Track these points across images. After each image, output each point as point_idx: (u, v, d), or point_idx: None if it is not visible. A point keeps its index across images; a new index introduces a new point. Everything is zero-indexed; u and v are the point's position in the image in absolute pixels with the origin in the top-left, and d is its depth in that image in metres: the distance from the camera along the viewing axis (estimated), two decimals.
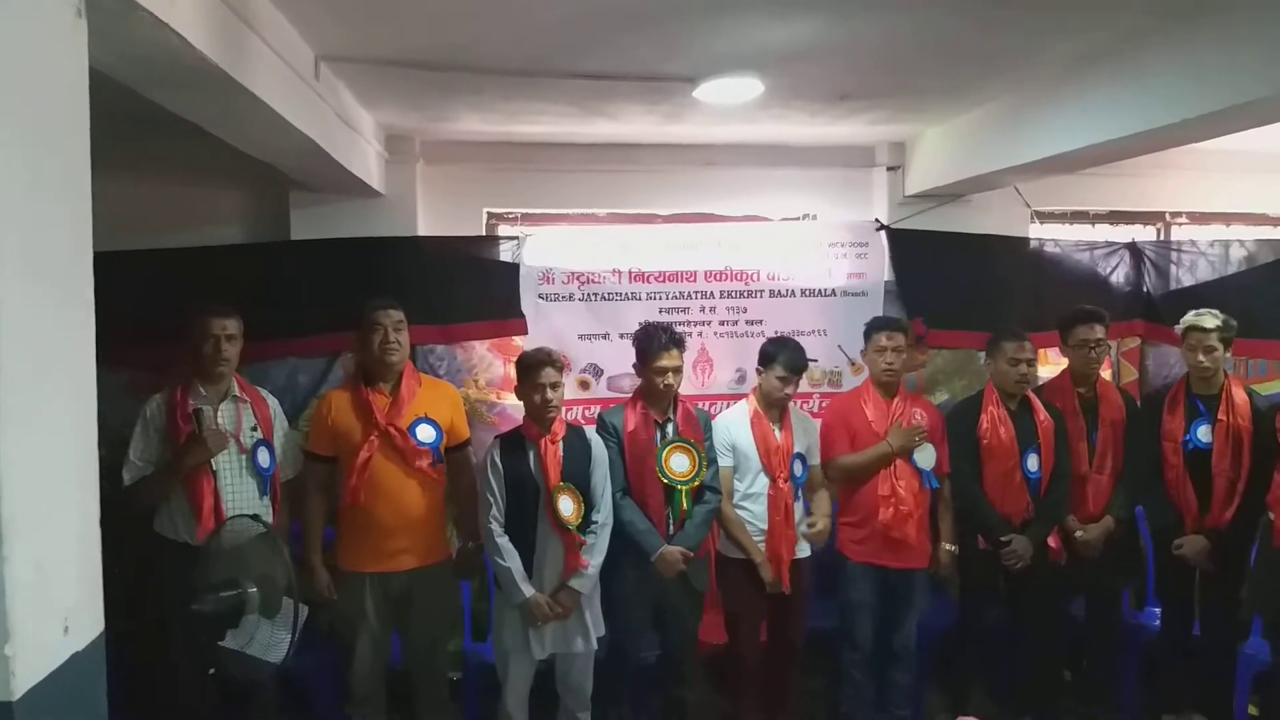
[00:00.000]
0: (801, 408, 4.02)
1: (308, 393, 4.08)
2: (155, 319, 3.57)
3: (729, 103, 3.56)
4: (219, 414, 3.30)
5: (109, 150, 3.90)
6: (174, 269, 4.00)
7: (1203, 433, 3.68)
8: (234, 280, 3.91)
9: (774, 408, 3.69)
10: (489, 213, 4.64)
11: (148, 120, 2.79)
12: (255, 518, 2.66)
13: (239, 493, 3.29)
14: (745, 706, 3.73)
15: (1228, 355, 3.73)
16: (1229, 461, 3.62)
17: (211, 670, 2.59)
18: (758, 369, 3.75)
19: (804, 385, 4.46)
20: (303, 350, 4.11)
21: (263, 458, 3.35)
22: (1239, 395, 3.69)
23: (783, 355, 3.63)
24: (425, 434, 3.38)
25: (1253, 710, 3.72)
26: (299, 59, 2.85)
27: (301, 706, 3.62)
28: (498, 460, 3.31)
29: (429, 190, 4.45)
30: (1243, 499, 3.58)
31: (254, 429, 3.37)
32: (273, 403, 3.53)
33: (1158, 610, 4.02)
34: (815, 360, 4.55)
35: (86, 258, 1.46)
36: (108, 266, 4.02)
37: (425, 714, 3.49)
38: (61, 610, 1.38)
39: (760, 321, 4.42)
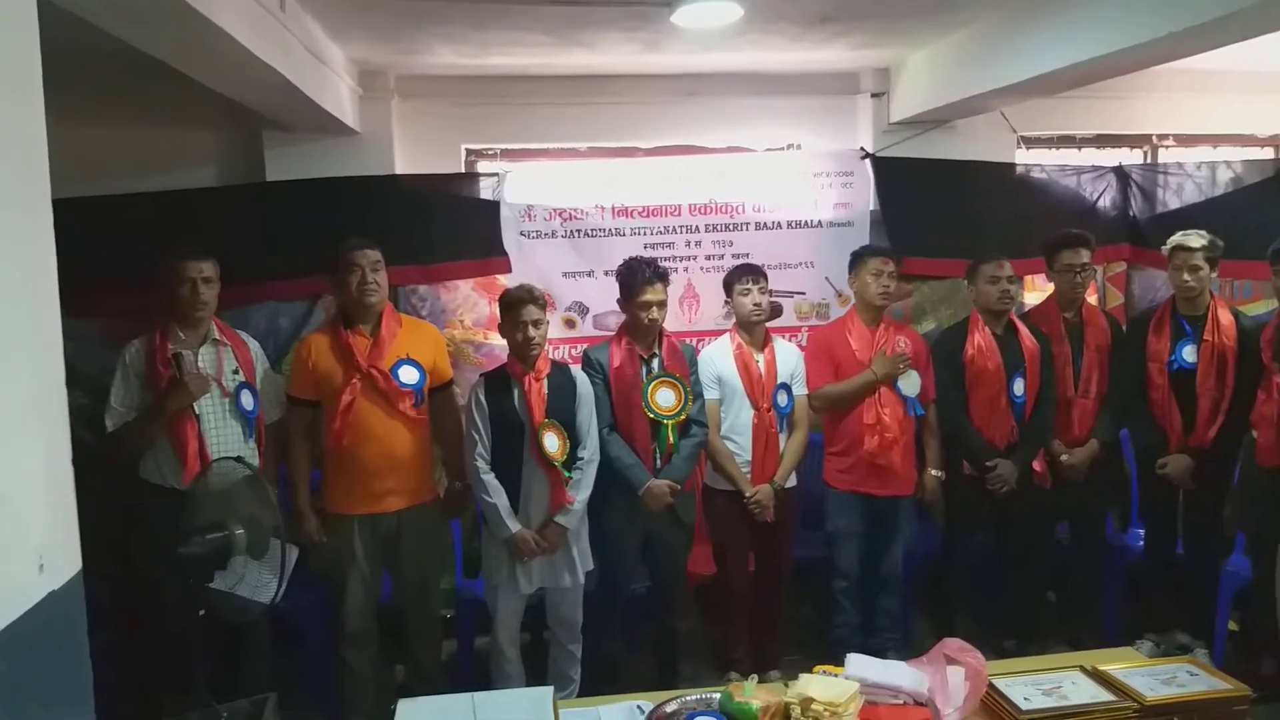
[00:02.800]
0: (790, 341, 4.01)
1: (290, 336, 4.05)
2: (131, 265, 3.51)
3: (708, 27, 3.48)
4: (199, 358, 3.28)
5: (81, 95, 3.85)
6: (148, 214, 3.93)
7: (1188, 353, 3.69)
8: (210, 224, 3.88)
9: (755, 336, 3.69)
10: (468, 149, 4.56)
11: (119, 63, 2.73)
12: (240, 460, 2.64)
13: (223, 436, 3.27)
14: (735, 635, 3.78)
15: (1213, 276, 3.73)
16: (1213, 381, 3.63)
17: (201, 612, 2.59)
18: (726, 301, 3.80)
19: (792, 319, 4.47)
20: (282, 293, 4.08)
21: (246, 401, 3.33)
22: (1224, 316, 3.69)
23: (739, 273, 3.72)
24: (408, 375, 3.36)
25: (1233, 626, 3.78)
26: None
27: (296, 645, 3.66)
28: (482, 398, 3.31)
29: (406, 127, 4.37)
30: (1226, 418, 3.60)
31: (236, 372, 3.34)
32: (254, 345, 3.51)
33: (1142, 531, 4.06)
34: (803, 293, 4.55)
35: (43, 187, 1.42)
36: (81, 212, 3.96)
37: (418, 650, 3.52)
38: (35, 548, 1.37)
39: (746, 255, 4.35)
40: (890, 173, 4.51)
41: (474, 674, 3.71)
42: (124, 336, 3.36)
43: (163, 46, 2.60)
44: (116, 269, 3.63)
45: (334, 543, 3.38)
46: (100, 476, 3.36)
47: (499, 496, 3.26)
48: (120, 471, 3.30)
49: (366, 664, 3.44)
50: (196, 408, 3.20)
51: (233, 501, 2.54)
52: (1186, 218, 4.29)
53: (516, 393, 3.30)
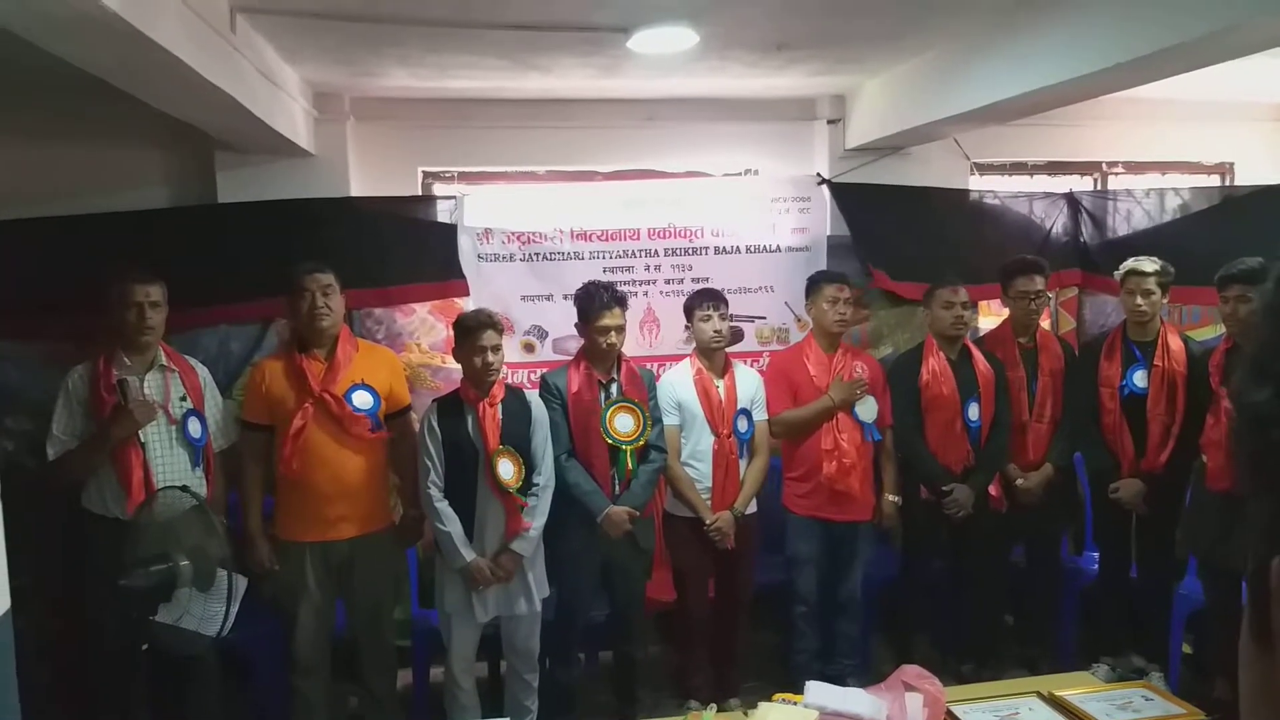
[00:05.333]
0: (751, 366, 4.00)
1: (241, 361, 3.98)
2: (77, 287, 3.44)
3: (664, 53, 3.49)
4: (145, 384, 3.21)
5: (26, 113, 3.74)
6: (95, 235, 3.84)
7: (1139, 378, 3.73)
8: (159, 246, 3.80)
9: (715, 361, 3.68)
10: (424, 171, 4.53)
11: (65, 82, 2.67)
12: (185, 489, 2.58)
13: (170, 465, 3.20)
14: (694, 663, 3.74)
15: (1164, 301, 3.78)
16: (1163, 406, 3.68)
17: (145, 646, 2.52)
18: (686, 326, 3.77)
19: (753, 344, 4.48)
20: (234, 317, 4.01)
21: (194, 428, 3.26)
22: (1174, 341, 3.75)
23: (700, 298, 3.68)
24: (362, 400, 3.31)
25: (1186, 649, 3.82)
26: (211, 10, 2.71)
27: (247, 676, 3.57)
28: (435, 424, 3.26)
29: (361, 149, 4.32)
30: (1177, 442, 3.64)
31: (183, 399, 3.27)
32: (202, 371, 3.43)
33: (1096, 554, 4.10)
34: (764, 318, 4.55)
35: None
36: (26, 234, 3.86)
37: (372, 681, 3.45)
38: None
39: (706, 279, 4.32)
40: (846, 198, 4.54)
41: (429, 705, 3.65)
42: (69, 361, 3.28)
43: (104, 66, 2.53)
44: (62, 292, 3.57)
45: (285, 570, 3.31)
46: (42, 505, 3.28)
47: (453, 525, 3.21)
48: (62, 500, 3.21)
49: (319, 694, 3.36)
50: (142, 435, 3.13)
51: (177, 532, 2.48)
52: (1135, 244, 4.36)
53: (470, 418, 3.26)
